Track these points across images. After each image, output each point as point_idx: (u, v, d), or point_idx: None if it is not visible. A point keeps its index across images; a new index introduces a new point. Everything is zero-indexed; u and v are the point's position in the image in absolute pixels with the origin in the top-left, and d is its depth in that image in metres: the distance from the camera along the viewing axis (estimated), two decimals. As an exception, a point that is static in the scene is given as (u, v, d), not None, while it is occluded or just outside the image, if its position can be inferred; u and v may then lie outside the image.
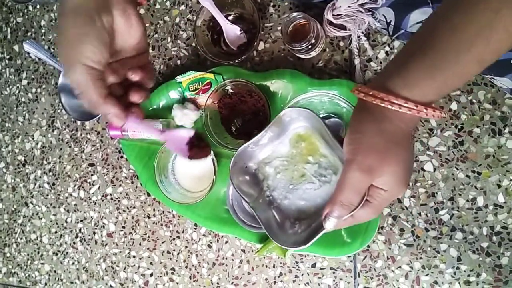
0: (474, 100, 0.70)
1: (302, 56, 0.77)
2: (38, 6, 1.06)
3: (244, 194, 0.61)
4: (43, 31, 1.05)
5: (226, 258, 0.85)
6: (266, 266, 0.82)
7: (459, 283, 0.70)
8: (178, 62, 0.90)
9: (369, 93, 0.41)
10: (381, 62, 0.75)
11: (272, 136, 0.61)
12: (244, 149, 0.62)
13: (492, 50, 0.36)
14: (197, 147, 0.58)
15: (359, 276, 0.76)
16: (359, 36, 0.75)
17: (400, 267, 0.74)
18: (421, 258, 0.73)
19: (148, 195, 0.91)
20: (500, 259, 0.69)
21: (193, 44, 0.88)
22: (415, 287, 0.73)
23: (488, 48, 0.36)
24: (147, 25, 0.92)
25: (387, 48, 0.74)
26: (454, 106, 0.71)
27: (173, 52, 0.90)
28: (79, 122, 0.99)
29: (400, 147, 0.42)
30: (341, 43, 0.77)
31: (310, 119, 0.58)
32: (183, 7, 0.90)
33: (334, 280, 0.78)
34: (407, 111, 0.39)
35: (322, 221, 0.47)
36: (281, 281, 0.81)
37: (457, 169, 0.71)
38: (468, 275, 0.70)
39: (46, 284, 1.02)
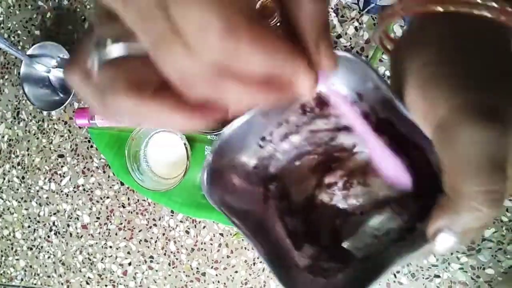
0: None
1: (271, 34, 0.75)
2: (-6, -8, 1.01)
3: (233, 214, 0.30)
4: (1, 19, 1.00)
5: (205, 243, 0.84)
6: (245, 248, 0.82)
7: (433, 254, 0.72)
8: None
9: None
10: (350, 38, 0.74)
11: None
12: (231, 132, 0.30)
13: None
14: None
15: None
16: (328, 12, 0.73)
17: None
18: (396, 231, 0.74)
19: (122, 184, 0.89)
20: (473, 228, 0.70)
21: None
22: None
23: None
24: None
25: (356, 24, 0.73)
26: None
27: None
28: (45, 113, 0.95)
29: None
30: (310, 20, 0.75)
31: (344, 71, 0.28)
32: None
33: (312, 259, 0.78)
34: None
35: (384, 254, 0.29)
36: (260, 262, 0.81)
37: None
38: (442, 246, 0.71)
39: (22, 279, 1.00)
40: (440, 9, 0.22)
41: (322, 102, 0.31)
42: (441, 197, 0.22)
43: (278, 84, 0.18)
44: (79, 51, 0.20)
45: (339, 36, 0.74)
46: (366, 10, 0.69)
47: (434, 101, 0.22)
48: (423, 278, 0.72)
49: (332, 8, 0.73)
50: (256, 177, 0.34)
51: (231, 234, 0.82)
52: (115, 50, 0.18)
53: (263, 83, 0.18)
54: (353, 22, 0.73)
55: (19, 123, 0.98)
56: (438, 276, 0.72)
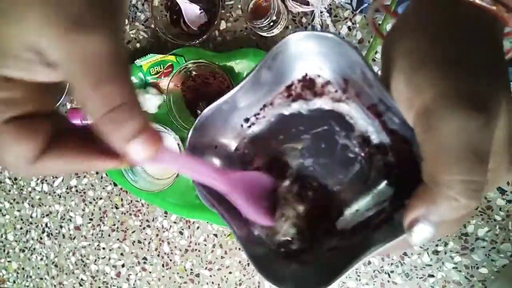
0: None
1: (264, 34, 0.75)
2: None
3: (213, 197, 0.31)
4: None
5: (199, 244, 0.84)
6: (239, 248, 0.81)
7: (427, 253, 0.72)
8: (138, 45, 0.86)
9: None
10: (343, 38, 0.73)
11: (265, 84, 0.31)
12: (213, 110, 0.31)
13: None
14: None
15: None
16: (321, 12, 0.73)
17: (370, 241, 0.74)
18: (390, 231, 0.73)
19: (115, 185, 0.89)
20: (466, 227, 0.70)
21: (152, 26, 0.85)
22: (385, 259, 0.74)
23: None
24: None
25: (349, 23, 0.73)
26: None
27: (131, 35, 0.87)
28: (37, 113, 0.94)
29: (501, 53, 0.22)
30: (304, 20, 0.75)
31: (331, 55, 0.28)
32: (140, -13, 0.86)
33: (307, 259, 0.78)
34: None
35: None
36: (255, 263, 0.80)
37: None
38: (436, 245, 0.71)
39: (14, 282, 0.99)
40: None
41: (308, 86, 0.31)
42: (419, 187, 0.22)
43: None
44: None
45: (332, 36, 0.74)
46: (359, 10, 0.69)
47: (419, 87, 0.21)
48: (417, 277, 0.72)
49: (325, 8, 0.73)
50: (237, 160, 0.34)
51: (225, 235, 0.82)
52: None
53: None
54: (346, 22, 0.73)
55: (11, 123, 0.97)
56: (432, 276, 0.72)
